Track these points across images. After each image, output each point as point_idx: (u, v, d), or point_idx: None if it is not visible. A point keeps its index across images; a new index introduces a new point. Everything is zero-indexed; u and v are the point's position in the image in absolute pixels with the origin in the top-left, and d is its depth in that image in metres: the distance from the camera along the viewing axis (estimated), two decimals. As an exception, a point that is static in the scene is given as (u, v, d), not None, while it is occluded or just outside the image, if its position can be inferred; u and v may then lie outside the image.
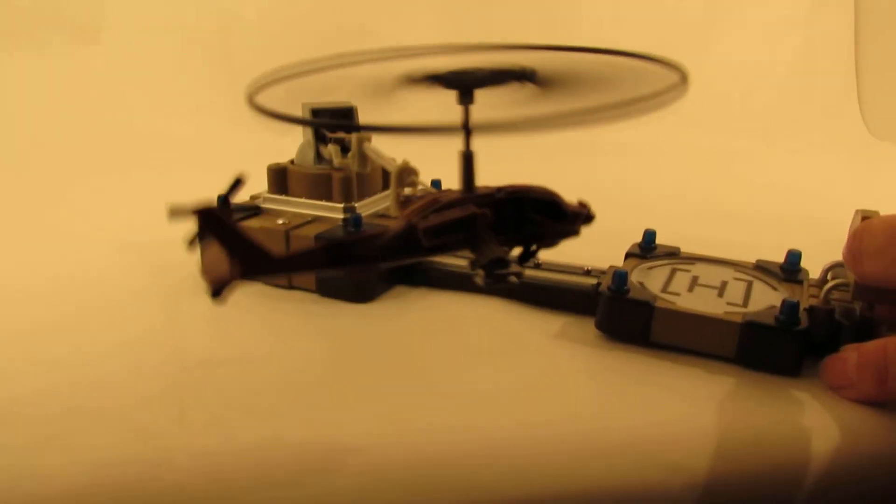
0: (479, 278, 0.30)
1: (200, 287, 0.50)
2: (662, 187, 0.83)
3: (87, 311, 0.45)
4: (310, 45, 1.19)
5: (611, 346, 0.41)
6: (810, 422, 0.33)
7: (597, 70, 0.30)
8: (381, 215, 0.51)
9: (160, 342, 0.41)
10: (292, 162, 0.53)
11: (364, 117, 0.31)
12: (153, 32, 1.08)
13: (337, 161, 0.50)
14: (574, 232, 0.34)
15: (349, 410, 0.34)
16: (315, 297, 0.47)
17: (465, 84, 0.30)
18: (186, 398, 0.35)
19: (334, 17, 1.16)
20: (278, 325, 0.44)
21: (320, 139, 0.52)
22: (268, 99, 0.29)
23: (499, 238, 0.31)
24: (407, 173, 0.42)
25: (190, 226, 0.28)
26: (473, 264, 0.30)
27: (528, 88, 0.30)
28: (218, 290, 0.28)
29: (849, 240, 0.35)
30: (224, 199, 0.29)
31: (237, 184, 0.30)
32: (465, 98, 0.30)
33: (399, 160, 0.43)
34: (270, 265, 0.29)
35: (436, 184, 0.56)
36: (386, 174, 0.54)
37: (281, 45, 1.13)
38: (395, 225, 0.30)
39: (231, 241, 0.28)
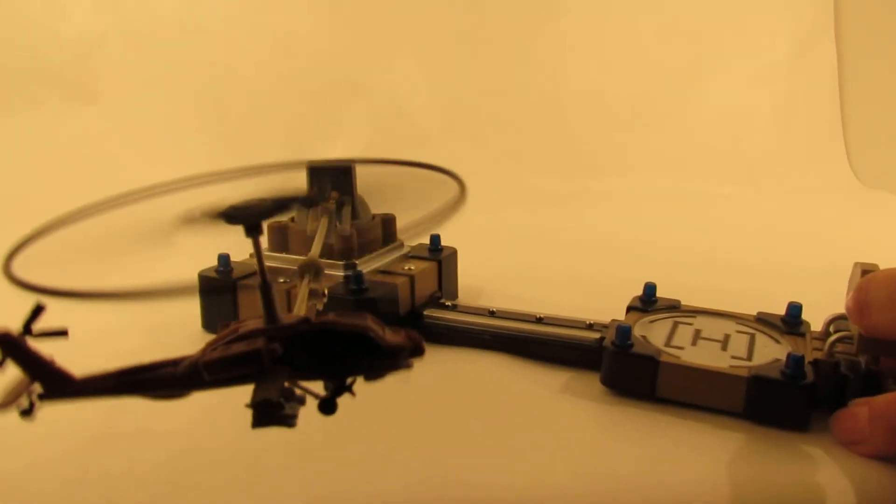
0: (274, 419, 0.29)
1: (199, 344, 0.50)
2: (654, 235, 0.84)
3: (88, 371, 0.45)
4: (305, 99, 1.21)
5: (616, 401, 0.41)
6: (824, 479, 0.33)
7: (387, 182, 0.29)
8: (383, 271, 0.51)
9: (159, 406, 0.41)
10: (293, 220, 0.53)
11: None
12: (149, 91, 1.09)
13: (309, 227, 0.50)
14: (397, 367, 0.32)
15: (353, 468, 0.34)
16: (317, 355, 0.47)
17: (250, 218, 0.28)
18: (190, 465, 0.34)
19: (328, 71, 1.18)
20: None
21: (304, 202, 0.52)
22: (31, 262, 0.30)
23: (301, 373, 0.30)
24: (309, 268, 0.40)
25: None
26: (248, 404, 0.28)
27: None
28: (27, 410, 0.29)
29: (854, 293, 0.36)
30: (26, 326, 0.30)
31: (38, 311, 0.30)
32: (253, 232, 0.28)
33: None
34: (69, 388, 0.30)
35: (435, 238, 0.56)
36: (386, 230, 0.54)
37: (276, 100, 1.15)
38: (194, 354, 0.29)
39: (33, 368, 0.29)
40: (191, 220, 0.28)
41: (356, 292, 0.46)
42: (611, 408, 0.40)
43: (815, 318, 0.44)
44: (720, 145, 1.18)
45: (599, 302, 0.48)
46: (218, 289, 0.47)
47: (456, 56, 1.24)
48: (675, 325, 0.45)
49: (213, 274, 0.50)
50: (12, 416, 0.39)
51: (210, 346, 0.29)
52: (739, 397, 0.38)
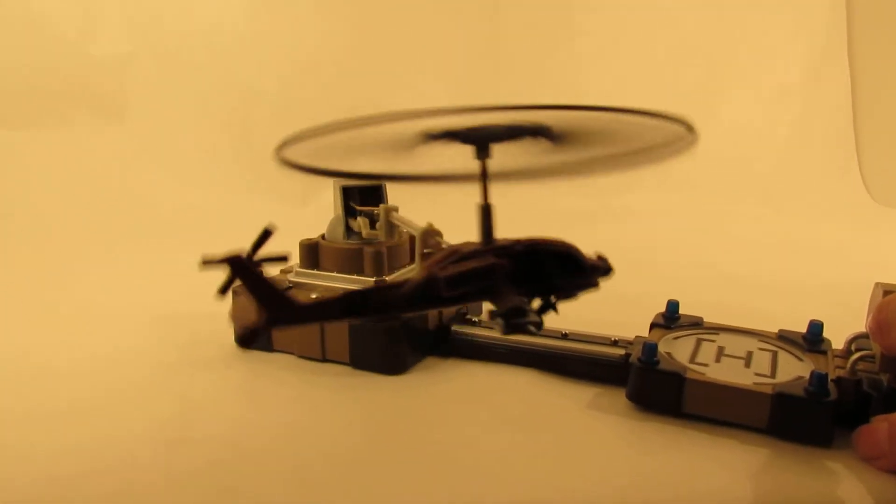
0: (499, 327, 0.30)
1: (232, 360, 0.51)
2: (674, 252, 0.85)
3: (120, 389, 0.46)
4: (328, 118, 1.23)
5: (643, 416, 0.42)
6: (845, 493, 0.34)
7: (608, 127, 0.31)
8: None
9: (193, 419, 0.42)
10: (323, 237, 0.54)
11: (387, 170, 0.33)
12: (176, 108, 1.11)
13: (365, 233, 0.52)
14: (593, 284, 0.34)
15: (383, 484, 0.35)
16: (348, 369, 0.48)
17: (481, 139, 0.30)
18: (222, 477, 0.36)
19: (352, 91, 1.20)
20: (312, 398, 0.45)
21: (349, 213, 0.53)
22: (295, 154, 0.31)
23: (517, 289, 0.31)
24: (430, 235, 0.44)
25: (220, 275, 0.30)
26: (493, 314, 0.31)
27: (543, 144, 0.31)
28: (245, 337, 0.30)
29: (875, 313, 0.37)
30: (253, 250, 0.31)
31: (266, 235, 0.32)
32: (482, 153, 0.31)
33: (423, 223, 0.45)
34: (295, 313, 0.30)
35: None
36: (414, 247, 0.56)
37: (301, 118, 1.17)
38: (416, 275, 0.31)
39: (258, 290, 0.30)
40: (432, 136, 0.31)
41: (387, 308, 0.47)
42: (637, 423, 0.41)
43: (834, 336, 0.45)
44: (737, 164, 1.19)
45: (622, 318, 0.49)
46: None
47: (476, 75, 1.26)
48: (699, 342, 0.46)
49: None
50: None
51: (434, 266, 0.31)
52: (764, 413, 0.39)
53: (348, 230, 0.53)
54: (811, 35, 1.29)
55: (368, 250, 0.51)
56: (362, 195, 0.54)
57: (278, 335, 0.51)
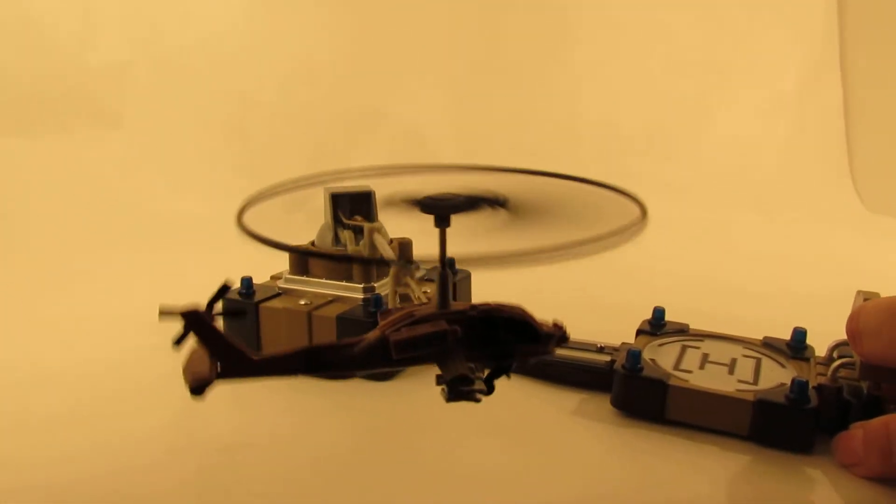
0: (443, 394, 0.31)
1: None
2: (664, 260, 0.85)
3: (113, 396, 0.46)
4: (325, 125, 1.24)
5: (626, 422, 0.42)
6: (820, 500, 0.34)
7: (564, 197, 0.32)
8: (399, 294, 0.53)
9: (185, 427, 0.42)
10: (313, 244, 0.55)
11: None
12: (173, 116, 1.12)
13: (350, 248, 0.52)
14: (546, 352, 0.34)
15: (371, 490, 0.35)
16: (336, 375, 0.49)
17: (441, 210, 0.31)
18: (212, 484, 0.36)
19: (349, 98, 1.21)
20: (300, 405, 0.45)
21: (338, 223, 0.54)
22: (258, 215, 0.32)
23: (470, 354, 0.32)
24: (403, 273, 0.44)
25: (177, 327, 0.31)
26: (438, 379, 0.31)
27: (501, 214, 0.32)
28: (198, 387, 0.30)
29: (848, 321, 0.37)
30: (210, 304, 0.31)
31: (224, 290, 0.32)
32: (442, 223, 0.31)
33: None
34: (249, 367, 0.31)
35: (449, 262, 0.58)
36: (404, 254, 0.56)
37: (297, 126, 1.18)
38: (370, 335, 0.32)
39: (214, 344, 0.30)
40: (391, 203, 0.32)
41: (374, 315, 0.47)
42: (621, 429, 0.41)
43: (820, 344, 0.46)
44: (729, 173, 1.19)
45: (609, 325, 0.50)
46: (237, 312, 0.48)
47: (473, 85, 1.27)
48: (684, 348, 0.47)
49: (236, 296, 0.52)
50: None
51: (388, 327, 0.31)
52: (745, 420, 0.39)
53: (336, 239, 0.54)
54: (805, 46, 1.30)
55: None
56: (352, 203, 0.54)
57: (268, 341, 0.51)
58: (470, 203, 0.31)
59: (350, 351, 0.31)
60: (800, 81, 1.28)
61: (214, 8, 1.18)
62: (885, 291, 0.41)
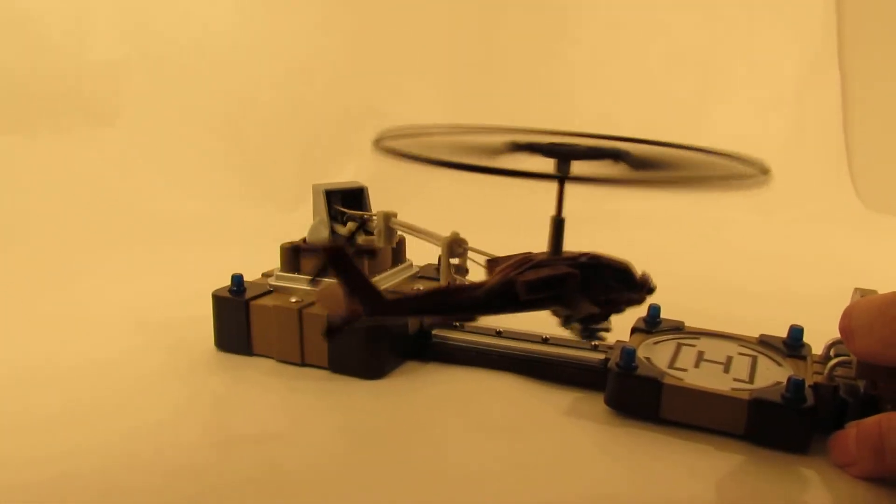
0: (575, 332, 0.33)
1: (214, 365, 0.51)
2: (660, 257, 0.84)
3: (105, 394, 0.46)
4: (320, 123, 1.24)
5: (620, 422, 0.42)
6: (816, 501, 0.34)
7: (683, 158, 0.34)
8: (391, 291, 0.53)
9: (176, 424, 0.42)
10: (304, 240, 0.54)
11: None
12: (168, 114, 1.11)
13: (362, 239, 0.52)
14: (640, 300, 0.36)
15: (359, 489, 0.35)
16: (327, 373, 0.48)
17: (563, 154, 0.32)
18: (203, 481, 0.35)
19: (343, 96, 1.20)
20: (291, 403, 0.44)
21: (334, 218, 0.53)
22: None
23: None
24: (457, 244, 0.44)
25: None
26: (567, 319, 0.33)
27: (620, 167, 0.33)
28: (334, 329, 0.30)
29: (841, 318, 0.37)
30: (349, 240, 0.32)
31: (363, 224, 0.33)
32: (563, 167, 0.32)
33: (447, 232, 0.45)
34: (383, 307, 0.31)
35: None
36: (396, 252, 0.56)
37: (292, 123, 1.17)
38: (492, 279, 0.32)
39: (352, 280, 0.30)
40: (517, 147, 0.33)
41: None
42: (614, 429, 0.41)
43: (817, 342, 0.45)
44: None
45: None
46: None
47: (468, 82, 1.27)
48: (679, 346, 0.46)
49: (227, 294, 0.51)
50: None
51: (510, 271, 0.32)
52: (741, 419, 0.38)
53: (333, 235, 0.53)
54: (803, 45, 1.29)
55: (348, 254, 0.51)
56: (345, 200, 0.54)
57: (258, 340, 0.50)
58: (592, 152, 0.32)
59: (476, 293, 0.32)
60: (798, 80, 1.28)
61: (210, 6, 1.17)
62: (883, 289, 0.41)
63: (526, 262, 0.33)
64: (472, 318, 0.33)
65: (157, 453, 0.38)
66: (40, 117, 1.03)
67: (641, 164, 0.33)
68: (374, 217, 0.51)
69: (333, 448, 0.39)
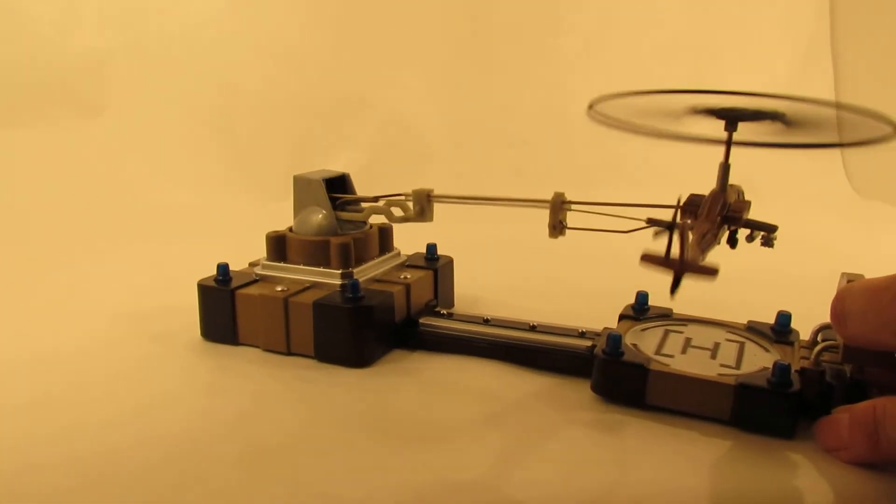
0: (765, 242, 0.43)
1: (199, 354, 0.51)
2: (649, 245, 0.84)
3: (90, 381, 0.46)
4: (311, 113, 1.23)
5: (606, 408, 0.41)
6: (803, 484, 0.34)
7: (833, 119, 0.38)
8: (378, 280, 0.52)
9: (159, 412, 0.41)
10: (290, 229, 0.54)
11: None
12: (155, 105, 1.11)
13: (394, 218, 0.52)
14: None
15: (344, 476, 0.35)
16: (313, 362, 0.48)
17: (731, 116, 0.39)
18: (186, 470, 0.35)
19: (334, 86, 1.20)
20: (276, 392, 0.44)
21: (339, 207, 0.53)
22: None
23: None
24: (563, 202, 0.48)
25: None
26: (756, 236, 0.43)
27: (777, 126, 0.39)
28: (678, 282, 0.36)
29: (832, 303, 0.36)
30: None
31: (679, 204, 0.41)
32: (731, 126, 0.39)
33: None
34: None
35: (431, 247, 0.57)
36: (383, 240, 0.55)
37: (283, 114, 1.16)
38: (707, 222, 0.40)
39: (684, 248, 0.36)
40: (695, 111, 0.40)
41: (352, 300, 0.47)
42: (601, 415, 0.41)
43: (806, 327, 0.45)
44: (719, 158, 1.18)
45: (593, 310, 0.49)
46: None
47: (460, 72, 1.26)
48: (667, 333, 0.46)
49: (213, 283, 0.51)
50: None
51: (721, 212, 0.41)
52: (727, 405, 0.38)
53: (339, 222, 0.53)
54: (796, 32, 1.29)
55: (335, 242, 0.51)
56: (329, 186, 0.53)
57: (244, 329, 0.50)
58: (755, 114, 0.39)
59: (711, 238, 0.40)
60: (791, 67, 1.28)
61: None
62: (872, 275, 0.40)
63: (718, 200, 0.41)
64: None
65: (139, 440, 0.38)
66: (25, 108, 1.02)
67: (795, 124, 0.38)
68: (408, 195, 0.51)
69: (318, 435, 0.39)
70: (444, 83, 1.25)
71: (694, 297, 0.50)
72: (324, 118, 1.18)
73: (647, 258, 0.36)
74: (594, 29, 1.30)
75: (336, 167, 0.57)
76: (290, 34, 1.19)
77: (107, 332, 0.54)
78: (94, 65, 1.08)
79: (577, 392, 0.43)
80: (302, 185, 0.53)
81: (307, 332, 0.48)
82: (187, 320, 0.53)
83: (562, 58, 1.29)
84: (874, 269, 0.42)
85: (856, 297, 0.35)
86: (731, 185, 0.44)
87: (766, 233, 0.42)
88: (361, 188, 0.55)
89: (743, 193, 0.45)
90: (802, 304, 0.47)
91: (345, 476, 0.35)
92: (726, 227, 0.42)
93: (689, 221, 0.40)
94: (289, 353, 0.49)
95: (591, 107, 0.41)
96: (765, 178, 1.15)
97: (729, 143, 0.41)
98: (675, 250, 0.37)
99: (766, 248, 0.43)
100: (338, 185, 0.54)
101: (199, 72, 1.14)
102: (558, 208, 0.47)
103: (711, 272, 0.36)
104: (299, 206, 0.53)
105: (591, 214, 0.46)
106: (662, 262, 0.36)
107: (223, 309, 0.50)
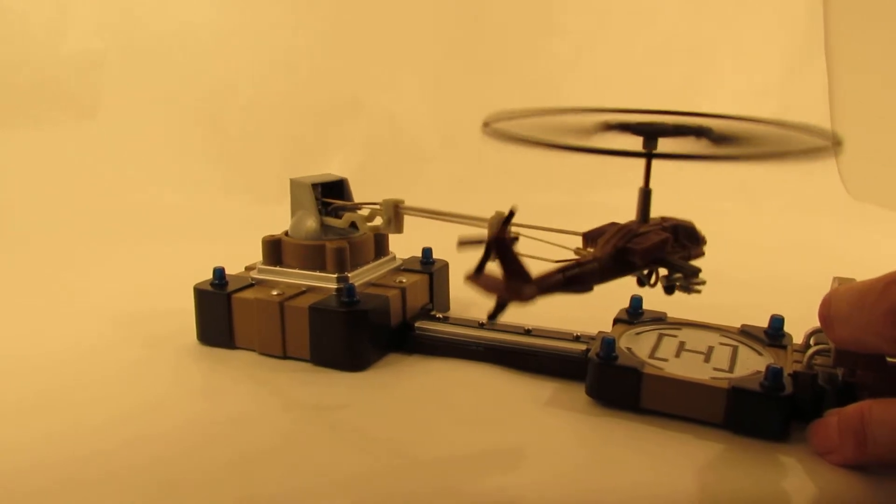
0: (682, 289, 0.36)
1: (194, 357, 0.51)
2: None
3: (84, 384, 0.46)
4: (304, 115, 1.23)
5: (601, 412, 0.42)
6: (792, 487, 0.34)
7: (760, 134, 0.36)
8: (374, 284, 0.52)
9: (148, 416, 0.41)
10: (286, 233, 0.54)
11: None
12: (148, 107, 1.10)
13: (365, 227, 0.51)
14: (702, 254, 0.39)
15: (337, 481, 0.35)
16: (309, 366, 0.48)
17: (650, 132, 0.35)
18: (178, 472, 0.35)
19: (327, 88, 1.20)
20: (271, 396, 0.44)
21: (326, 212, 0.53)
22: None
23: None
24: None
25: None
26: (667, 280, 0.36)
27: (703, 143, 0.35)
28: (496, 312, 0.33)
29: (820, 307, 0.37)
30: (503, 228, 0.35)
31: (511, 215, 0.36)
32: (650, 143, 0.35)
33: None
34: (536, 287, 0.34)
35: (427, 252, 0.57)
36: (378, 244, 0.55)
37: (275, 116, 1.17)
38: (601, 251, 0.36)
39: (512, 266, 0.32)
40: (608, 127, 0.36)
41: (348, 304, 0.47)
42: (595, 419, 0.41)
43: (799, 330, 0.45)
44: (712, 161, 1.19)
45: (589, 314, 0.49)
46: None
47: (453, 73, 1.26)
48: (661, 337, 0.46)
49: (209, 287, 0.51)
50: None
51: (617, 241, 0.36)
52: (720, 408, 0.39)
53: (324, 227, 0.53)
54: (789, 32, 1.29)
55: (330, 247, 0.51)
56: (325, 192, 0.54)
57: (240, 333, 0.50)
58: (678, 130, 0.35)
59: (592, 266, 0.35)
60: (784, 68, 1.28)
61: (191, -4, 1.16)
62: (865, 278, 0.41)
63: (627, 231, 0.36)
64: (589, 289, 0.36)
65: (133, 443, 0.38)
66: (19, 110, 1.02)
67: (722, 140, 0.35)
68: (380, 205, 0.51)
69: (313, 439, 0.39)
70: (438, 85, 1.26)
71: (687, 300, 0.51)
72: (317, 120, 1.18)
73: (470, 279, 0.33)
74: (587, 30, 1.30)
75: (330, 169, 0.57)
76: (283, 36, 1.20)
77: (102, 334, 0.54)
78: (87, 67, 1.08)
79: (571, 395, 0.43)
80: (296, 188, 0.53)
81: (303, 335, 0.48)
82: (183, 324, 0.53)
83: (555, 59, 1.30)
84: (868, 272, 0.42)
85: (842, 301, 0.36)
86: (681, 222, 0.39)
87: (683, 276, 0.36)
88: (354, 190, 0.55)
89: (689, 229, 0.39)
90: (795, 307, 0.47)
91: (338, 481, 0.35)
92: (635, 264, 0.36)
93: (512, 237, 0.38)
94: (285, 357, 0.49)
95: (486, 125, 0.37)
96: (759, 182, 1.16)
97: (649, 164, 0.36)
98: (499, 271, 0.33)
99: (684, 293, 0.37)
100: (335, 190, 0.54)
101: (192, 74, 1.14)
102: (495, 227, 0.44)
103: (525, 298, 0.33)
104: (295, 209, 0.54)
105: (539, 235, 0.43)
106: (480, 282, 0.33)
107: (219, 313, 0.50)
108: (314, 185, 0.53)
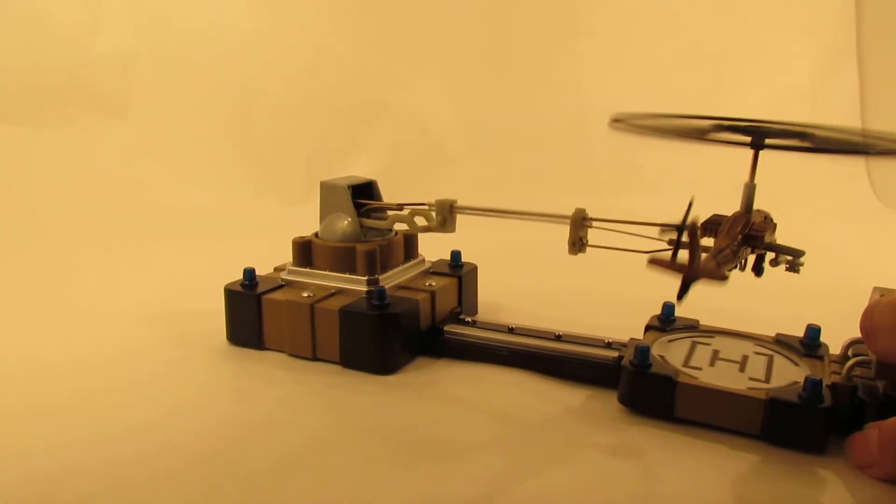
0: (790, 268, 0.42)
1: (224, 358, 0.51)
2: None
3: (117, 386, 0.46)
4: (331, 116, 1.23)
5: (634, 420, 0.41)
6: (831, 501, 0.33)
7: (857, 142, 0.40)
8: (403, 287, 0.52)
9: (186, 417, 0.42)
10: (317, 235, 0.54)
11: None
12: (178, 107, 1.11)
13: (416, 227, 0.51)
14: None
15: (370, 483, 0.35)
16: (338, 368, 0.48)
17: (758, 133, 0.39)
18: (212, 475, 0.35)
19: (354, 90, 1.20)
20: (302, 398, 0.44)
21: (364, 214, 0.53)
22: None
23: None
24: (584, 218, 0.47)
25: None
26: (779, 260, 0.42)
27: (804, 143, 0.39)
28: (683, 292, 0.34)
29: (862, 318, 0.36)
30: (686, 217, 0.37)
31: (690, 206, 0.37)
32: (757, 142, 0.39)
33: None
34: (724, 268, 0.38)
35: (455, 255, 0.57)
36: (408, 246, 0.55)
37: (302, 117, 1.17)
38: (724, 240, 0.39)
39: (696, 252, 0.35)
40: (722, 127, 0.41)
41: (378, 307, 0.47)
42: (628, 427, 0.40)
43: (834, 342, 0.44)
44: (742, 167, 1.17)
45: (618, 320, 0.49)
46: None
47: (479, 76, 1.26)
48: (694, 345, 0.46)
49: (239, 288, 0.51)
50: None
51: (741, 230, 0.40)
52: (757, 419, 0.38)
53: (363, 229, 0.53)
54: (820, 37, 1.27)
55: (361, 249, 0.51)
56: (355, 194, 0.53)
57: (270, 334, 0.50)
58: (782, 133, 0.39)
59: (734, 250, 0.39)
60: (814, 73, 1.26)
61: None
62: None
63: (746, 221, 0.41)
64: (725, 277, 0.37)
65: (166, 445, 0.38)
66: (50, 109, 1.03)
67: (824, 143, 0.39)
68: (431, 206, 0.50)
69: (342, 442, 0.39)
70: (463, 85, 1.25)
71: (719, 308, 0.50)
72: (344, 121, 1.19)
73: (655, 262, 0.35)
74: (614, 33, 1.29)
75: (355, 170, 0.57)
76: (312, 38, 1.20)
77: (133, 336, 0.55)
78: (118, 67, 1.09)
79: (603, 403, 0.43)
80: (328, 190, 0.53)
81: (333, 338, 0.48)
82: (213, 324, 0.53)
83: (581, 61, 1.29)
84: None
85: (885, 312, 0.35)
86: (758, 210, 0.44)
87: (792, 257, 0.41)
88: (381, 191, 0.55)
89: (770, 217, 0.45)
90: (830, 317, 0.46)
91: (365, 487, 0.35)
92: (749, 248, 0.41)
93: (699, 225, 0.39)
94: (314, 359, 0.49)
95: (616, 120, 0.41)
96: (794, 190, 1.14)
97: (755, 162, 0.40)
98: (684, 256, 0.36)
99: (792, 272, 0.42)
100: (365, 192, 0.54)
101: (221, 75, 1.14)
102: (579, 225, 0.46)
103: (721, 277, 0.35)
104: (325, 211, 0.54)
105: (611, 231, 0.45)
106: (670, 265, 0.35)
107: (249, 314, 0.50)
108: (351, 187, 0.53)
